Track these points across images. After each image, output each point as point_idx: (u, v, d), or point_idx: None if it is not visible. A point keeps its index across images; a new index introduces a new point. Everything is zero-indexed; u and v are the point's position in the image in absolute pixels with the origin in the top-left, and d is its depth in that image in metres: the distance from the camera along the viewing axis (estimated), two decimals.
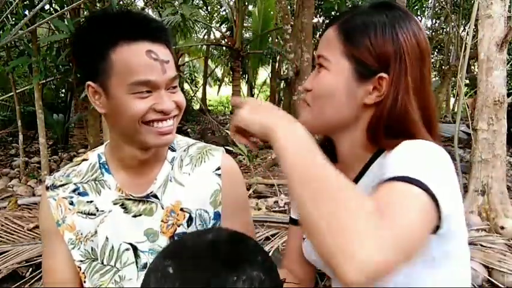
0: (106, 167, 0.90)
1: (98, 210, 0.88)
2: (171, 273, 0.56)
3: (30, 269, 2.64)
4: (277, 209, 3.56)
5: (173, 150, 0.93)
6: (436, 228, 0.59)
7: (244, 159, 5.50)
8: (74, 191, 0.90)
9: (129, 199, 0.88)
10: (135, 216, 0.88)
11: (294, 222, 0.93)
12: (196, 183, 0.90)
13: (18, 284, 2.55)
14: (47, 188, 0.91)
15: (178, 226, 0.88)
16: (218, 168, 0.91)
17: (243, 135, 0.72)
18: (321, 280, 2.76)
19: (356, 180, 0.76)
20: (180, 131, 9.02)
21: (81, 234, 0.88)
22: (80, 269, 0.88)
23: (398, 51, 0.69)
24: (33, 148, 7.17)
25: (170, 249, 0.64)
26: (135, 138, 0.81)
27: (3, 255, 2.70)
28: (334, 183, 0.54)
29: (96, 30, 0.79)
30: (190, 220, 0.89)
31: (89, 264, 0.88)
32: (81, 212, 0.88)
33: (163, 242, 0.87)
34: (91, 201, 0.89)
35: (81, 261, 0.88)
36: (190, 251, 0.60)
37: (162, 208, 0.88)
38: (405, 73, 0.70)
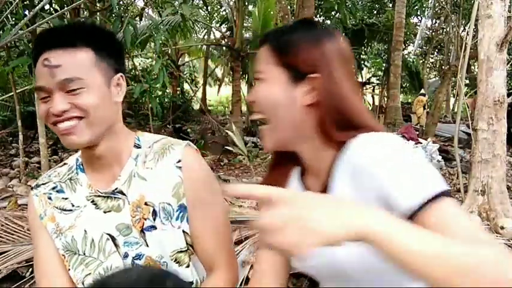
0: (81, 167, 0.98)
1: (73, 206, 0.94)
2: None
3: (30, 269, 2.64)
4: None
5: (138, 147, 0.96)
6: None
7: (244, 159, 5.50)
8: (53, 188, 0.98)
9: (98, 196, 0.93)
10: (105, 212, 0.92)
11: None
12: (158, 177, 0.93)
13: (18, 284, 2.55)
14: (32, 188, 1.00)
15: (145, 220, 0.91)
16: (179, 161, 0.93)
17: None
18: None
19: (325, 183, 0.78)
20: (180, 131, 9.04)
21: (62, 226, 0.94)
22: (64, 257, 0.93)
23: (324, 53, 0.77)
24: (33, 148, 7.17)
25: (97, 282, 0.69)
26: None
27: (3, 255, 2.70)
28: (471, 259, 0.53)
29: (33, 49, 0.89)
30: (154, 214, 0.91)
31: (70, 256, 0.92)
32: (58, 207, 0.95)
33: (136, 234, 0.91)
34: (66, 198, 0.95)
35: (64, 251, 0.93)
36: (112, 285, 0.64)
37: (129, 203, 0.92)
38: (334, 71, 0.77)
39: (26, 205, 3.88)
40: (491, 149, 3.19)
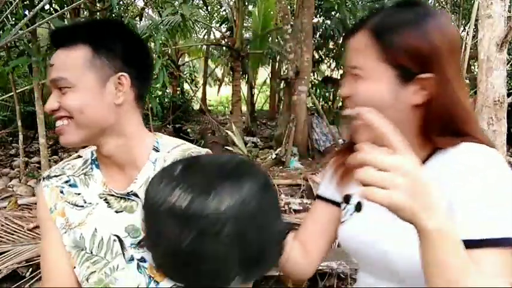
0: (96, 162, 0.95)
1: (85, 202, 0.92)
2: (175, 175, 0.61)
3: (30, 269, 2.64)
4: None
5: (157, 151, 0.94)
6: None
7: None
8: (66, 182, 0.95)
9: (112, 195, 0.91)
10: (117, 212, 0.91)
11: (320, 198, 0.94)
12: None
13: (18, 284, 2.55)
14: (43, 179, 0.97)
15: None
16: None
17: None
18: (321, 280, 2.76)
19: None
20: (180, 131, 9.04)
21: (71, 222, 0.92)
22: (71, 254, 0.91)
23: (435, 48, 0.69)
24: (33, 148, 7.17)
25: (184, 160, 0.68)
26: None
27: (3, 255, 2.71)
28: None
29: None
30: None
31: (77, 252, 0.91)
32: (69, 202, 0.93)
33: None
34: (79, 194, 0.93)
35: (72, 247, 0.91)
36: (201, 164, 0.64)
37: None
38: (446, 69, 0.70)
39: (26, 205, 3.89)
40: None
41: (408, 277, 0.72)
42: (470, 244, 0.61)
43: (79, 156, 0.99)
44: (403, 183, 0.52)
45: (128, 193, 0.90)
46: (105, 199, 0.91)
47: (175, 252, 0.58)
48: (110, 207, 0.91)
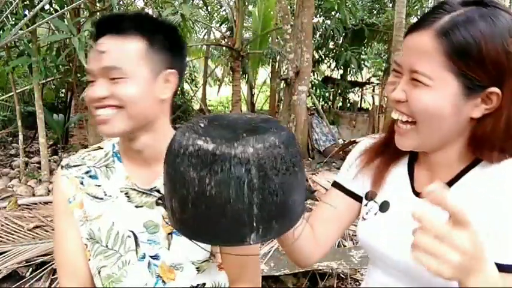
0: (118, 155, 0.94)
1: (105, 195, 0.91)
2: (200, 126, 0.62)
3: (30, 269, 2.64)
4: None
5: None
6: None
7: None
8: (86, 172, 0.93)
9: (134, 189, 0.90)
10: (137, 206, 0.90)
11: (338, 186, 0.92)
12: None
13: (18, 284, 2.55)
14: (62, 167, 0.95)
15: None
16: None
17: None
18: (321, 280, 2.76)
19: (448, 185, 0.74)
20: None
21: (89, 214, 0.91)
22: (87, 246, 0.91)
23: (510, 61, 0.64)
24: (33, 148, 7.17)
25: (212, 115, 0.69)
26: None
27: (3, 255, 2.71)
28: None
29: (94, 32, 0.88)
30: None
31: (92, 244, 0.91)
32: (89, 194, 0.91)
33: (162, 235, 0.89)
34: (99, 185, 0.92)
35: (87, 239, 0.91)
36: (226, 120, 0.65)
37: None
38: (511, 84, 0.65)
39: (26, 205, 3.89)
40: None
41: (429, 281, 0.71)
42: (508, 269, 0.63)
43: (99, 148, 0.98)
44: (457, 261, 0.51)
45: (151, 189, 0.90)
46: (126, 193, 0.91)
47: (198, 199, 0.57)
48: (130, 201, 0.90)
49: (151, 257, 0.89)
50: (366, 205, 0.87)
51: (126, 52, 0.82)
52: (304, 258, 0.89)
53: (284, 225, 0.61)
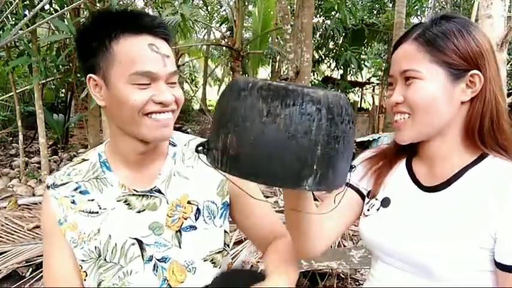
0: (107, 165, 0.91)
1: (100, 208, 0.88)
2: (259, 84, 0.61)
3: (30, 269, 2.64)
4: (277, 208, 3.57)
5: (174, 145, 0.94)
6: None
7: None
8: (75, 189, 0.90)
9: (133, 195, 0.89)
10: (139, 211, 0.88)
11: (351, 187, 0.94)
12: (201, 175, 0.91)
13: (18, 284, 2.55)
14: (48, 187, 0.92)
15: (186, 219, 0.89)
16: None
17: None
18: (321, 280, 2.76)
19: (449, 181, 0.80)
20: (180, 131, 9.00)
21: (84, 233, 0.88)
22: (81, 268, 0.88)
23: (480, 48, 0.77)
24: (33, 148, 7.17)
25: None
26: (134, 131, 0.83)
27: (3, 255, 2.71)
28: None
29: (99, 23, 0.81)
30: (198, 212, 0.90)
31: (93, 263, 0.88)
32: (83, 211, 0.88)
33: (168, 235, 0.88)
34: (92, 200, 0.89)
35: (83, 260, 0.88)
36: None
37: (167, 203, 0.89)
38: (489, 68, 0.77)
39: (26, 205, 3.89)
40: None
41: (432, 271, 0.75)
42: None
43: (83, 160, 0.95)
44: None
45: (151, 189, 0.89)
46: (125, 201, 0.88)
47: (263, 132, 0.56)
48: (130, 208, 0.88)
49: (158, 260, 0.88)
50: (367, 203, 0.91)
51: (172, 57, 0.83)
52: (310, 247, 0.90)
53: (336, 180, 0.61)
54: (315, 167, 0.57)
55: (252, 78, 0.61)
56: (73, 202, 0.89)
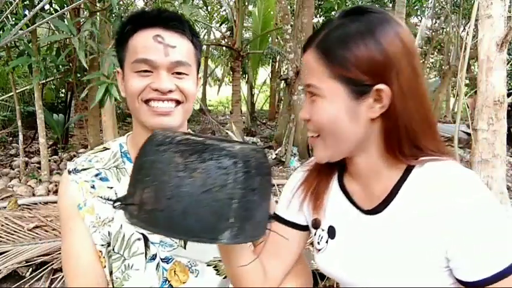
0: (128, 155, 0.93)
1: (117, 197, 0.89)
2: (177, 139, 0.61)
3: (30, 269, 2.64)
4: None
5: None
6: None
7: None
8: (96, 175, 0.91)
9: None
10: None
11: (278, 219, 0.89)
12: None
13: (18, 284, 2.55)
14: (69, 172, 0.93)
15: None
16: None
17: None
18: (321, 280, 2.76)
19: (386, 201, 0.73)
20: None
21: (100, 218, 0.89)
22: (101, 253, 0.89)
23: (386, 57, 0.65)
24: (33, 148, 7.17)
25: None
26: (138, 118, 0.86)
27: (3, 255, 2.70)
28: None
29: (126, 23, 0.87)
30: None
31: (105, 249, 0.89)
32: (101, 197, 0.90)
33: None
34: (111, 187, 0.90)
35: (102, 245, 0.88)
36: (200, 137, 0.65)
37: None
38: (400, 78, 0.66)
39: (26, 205, 3.88)
40: (491, 149, 3.19)
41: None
42: (486, 282, 0.62)
43: (105, 149, 0.96)
44: None
45: None
46: None
47: (179, 186, 0.56)
48: None
49: (162, 259, 0.88)
50: (315, 234, 0.85)
51: (189, 50, 0.86)
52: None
53: (254, 231, 0.62)
54: (232, 220, 0.57)
55: (171, 132, 0.61)
56: (93, 187, 0.90)
